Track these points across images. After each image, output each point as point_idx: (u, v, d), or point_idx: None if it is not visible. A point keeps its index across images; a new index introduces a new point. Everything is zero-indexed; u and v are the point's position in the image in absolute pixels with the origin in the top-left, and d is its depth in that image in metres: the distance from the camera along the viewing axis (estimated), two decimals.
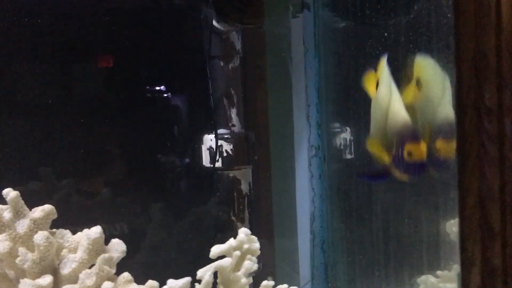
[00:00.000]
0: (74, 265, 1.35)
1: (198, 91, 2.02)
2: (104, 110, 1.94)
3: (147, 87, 2.04)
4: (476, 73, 0.74)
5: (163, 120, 2.03)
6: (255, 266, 1.48)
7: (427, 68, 1.19)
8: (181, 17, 1.99)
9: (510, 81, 0.72)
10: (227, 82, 2.00)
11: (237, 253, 1.46)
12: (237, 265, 1.48)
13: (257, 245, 1.50)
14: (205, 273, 1.43)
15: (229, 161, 1.98)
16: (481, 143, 0.74)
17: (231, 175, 2.01)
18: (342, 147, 1.98)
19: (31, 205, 1.35)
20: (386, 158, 1.18)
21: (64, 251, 1.38)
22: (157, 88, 2.03)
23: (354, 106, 1.86)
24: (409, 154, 1.13)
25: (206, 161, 2.01)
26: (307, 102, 2.00)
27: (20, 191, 1.34)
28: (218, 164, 1.99)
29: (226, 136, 1.99)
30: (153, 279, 1.36)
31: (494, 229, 0.73)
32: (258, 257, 1.90)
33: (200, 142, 2.02)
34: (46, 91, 1.86)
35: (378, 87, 1.23)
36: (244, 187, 2.02)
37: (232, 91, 2.01)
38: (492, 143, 0.73)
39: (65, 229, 1.39)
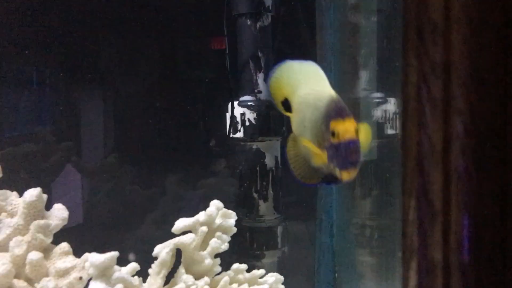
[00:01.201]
0: (8, 231, 1.21)
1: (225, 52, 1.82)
2: None
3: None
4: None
5: (183, 81, 1.86)
6: (224, 246, 1.28)
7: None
8: None
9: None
10: (254, 43, 1.80)
11: (204, 229, 1.27)
12: (205, 243, 1.29)
13: (231, 221, 1.32)
14: (162, 249, 1.24)
15: (251, 131, 1.79)
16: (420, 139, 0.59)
17: (254, 146, 1.81)
18: None
19: None
20: (320, 156, 0.95)
21: (3, 215, 1.24)
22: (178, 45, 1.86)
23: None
24: (335, 134, 0.91)
25: (228, 130, 1.82)
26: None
27: None
28: (240, 134, 1.79)
29: (249, 103, 1.79)
30: None
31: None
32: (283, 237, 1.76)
33: (226, 109, 1.82)
34: None
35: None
36: (269, 161, 1.82)
37: (259, 53, 1.80)
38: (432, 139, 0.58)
39: None
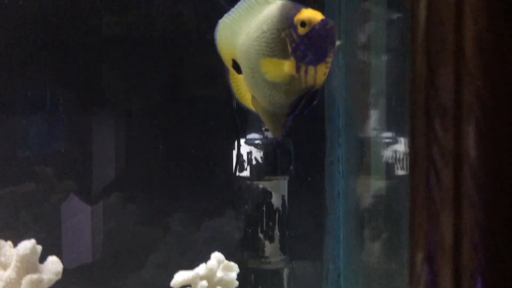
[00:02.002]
0: (0, 284, 1.16)
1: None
2: None
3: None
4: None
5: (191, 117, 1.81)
6: None
7: None
8: None
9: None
10: None
11: (204, 284, 1.21)
12: None
13: (233, 275, 1.27)
14: None
15: (258, 170, 1.74)
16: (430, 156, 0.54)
17: (260, 186, 1.76)
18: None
19: None
20: (287, 67, 0.87)
21: None
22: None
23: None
24: (304, 23, 0.84)
25: (234, 169, 1.77)
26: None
27: None
28: (246, 173, 1.75)
29: (256, 142, 1.75)
30: None
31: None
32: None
33: (233, 147, 1.78)
34: None
35: None
36: (276, 201, 1.77)
37: None
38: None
39: None
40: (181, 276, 1.22)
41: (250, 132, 1.77)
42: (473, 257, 0.51)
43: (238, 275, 1.31)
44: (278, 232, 1.76)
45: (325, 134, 1.94)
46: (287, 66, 0.86)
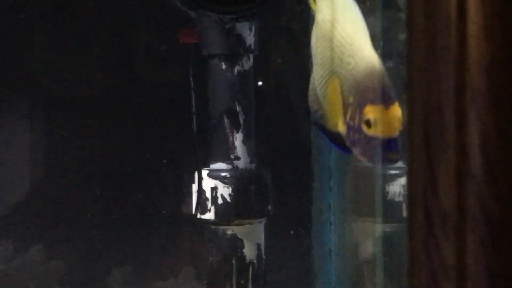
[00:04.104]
0: None
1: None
2: None
3: None
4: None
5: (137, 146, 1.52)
6: None
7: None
8: None
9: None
10: (230, 92, 1.46)
11: None
12: None
13: None
14: None
15: (225, 212, 1.43)
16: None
17: (228, 232, 1.45)
18: None
19: None
20: (337, 122, 0.84)
21: None
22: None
23: None
24: (369, 123, 0.78)
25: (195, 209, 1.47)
26: None
27: None
28: (210, 215, 1.44)
29: (223, 174, 1.44)
30: None
31: None
32: None
33: (192, 181, 1.48)
34: None
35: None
36: (249, 252, 1.45)
37: (237, 106, 1.46)
38: None
39: None
40: None
41: (214, 160, 1.47)
42: None
43: None
44: None
45: (312, 172, 1.66)
46: (339, 127, 0.85)
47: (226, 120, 1.46)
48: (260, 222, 1.47)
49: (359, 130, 0.80)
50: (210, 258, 1.46)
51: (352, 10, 0.86)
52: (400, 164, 1.46)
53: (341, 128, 0.84)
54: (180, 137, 1.53)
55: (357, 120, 0.80)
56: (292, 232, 1.68)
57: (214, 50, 1.45)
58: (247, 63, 1.46)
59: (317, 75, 0.90)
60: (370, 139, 0.79)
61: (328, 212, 1.69)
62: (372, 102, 0.78)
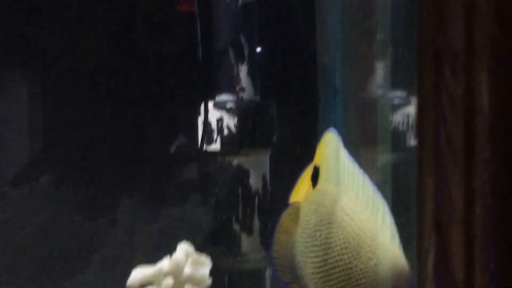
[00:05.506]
0: None
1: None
2: None
3: None
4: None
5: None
6: None
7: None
8: None
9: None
10: (235, 23, 1.47)
11: (169, 281, 1.03)
12: None
13: (204, 271, 1.07)
14: None
15: (231, 143, 1.46)
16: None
17: (234, 162, 1.48)
18: None
19: None
20: None
21: None
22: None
23: None
24: None
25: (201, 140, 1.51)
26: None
27: None
28: (216, 147, 1.47)
29: (228, 105, 1.47)
30: None
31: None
32: None
33: (198, 113, 1.51)
34: None
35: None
36: (255, 182, 1.48)
37: (242, 37, 1.47)
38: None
39: None
40: (140, 273, 1.03)
41: (220, 92, 1.49)
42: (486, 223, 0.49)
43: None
44: (258, 222, 1.51)
45: (317, 93, 1.69)
46: None
47: (230, 51, 1.47)
48: (266, 153, 1.50)
49: None
50: (216, 189, 1.50)
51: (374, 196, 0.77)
52: (401, 93, 1.52)
53: None
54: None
55: None
56: (298, 152, 1.70)
57: None
58: None
59: (312, 253, 0.78)
60: None
61: None
62: None
